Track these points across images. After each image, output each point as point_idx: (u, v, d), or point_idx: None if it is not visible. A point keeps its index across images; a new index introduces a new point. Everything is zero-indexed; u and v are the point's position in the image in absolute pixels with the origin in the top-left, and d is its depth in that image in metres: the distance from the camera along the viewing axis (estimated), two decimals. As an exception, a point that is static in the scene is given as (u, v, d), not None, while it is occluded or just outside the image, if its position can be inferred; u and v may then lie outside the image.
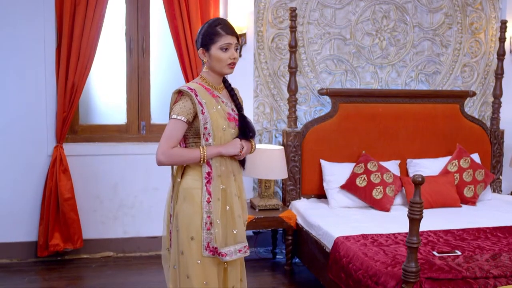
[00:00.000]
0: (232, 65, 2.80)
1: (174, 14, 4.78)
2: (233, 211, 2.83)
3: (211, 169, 2.77)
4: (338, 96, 4.97)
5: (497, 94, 5.35)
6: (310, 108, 5.23)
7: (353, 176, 4.70)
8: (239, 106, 2.94)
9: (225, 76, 2.93)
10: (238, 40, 2.82)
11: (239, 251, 2.83)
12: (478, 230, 4.01)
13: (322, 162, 4.86)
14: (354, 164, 4.82)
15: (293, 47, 4.81)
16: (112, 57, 5.08)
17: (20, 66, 4.68)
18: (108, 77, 5.14)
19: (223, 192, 2.80)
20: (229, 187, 2.83)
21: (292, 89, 4.84)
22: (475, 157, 5.14)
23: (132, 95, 5.07)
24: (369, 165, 4.73)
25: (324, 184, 4.81)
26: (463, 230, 4.00)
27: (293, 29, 4.79)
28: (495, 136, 5.36)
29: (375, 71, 5.36)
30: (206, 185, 2.77)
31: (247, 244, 2.88)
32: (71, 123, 4.87)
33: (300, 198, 4.91)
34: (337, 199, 4.69)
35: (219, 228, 2.76)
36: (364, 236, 3.80)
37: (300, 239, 4.55)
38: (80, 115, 5.02)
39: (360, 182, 4.65)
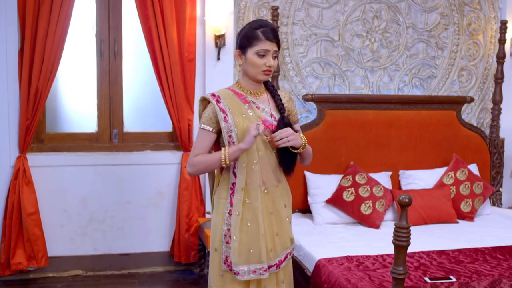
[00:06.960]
0: (267, 72, 2.64)
1: (147, 14, 4.45)
2: (258, 229, 2.61)
3: (236, 179, 2.65)
4: (324, 102, 4.61)
5: (497, 100, 5.00)
6: (296, 115, 4.86)
7: (340, 189, 4.33)
8: (280, 107, 2.70)
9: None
10: (278, 47, 2.66)
11: (253, 272, 2.61)
12: (475, 250, 3.65)
13: (307, 173, 4.49)
14: (341, 176, 4.45)
15: (275, 49, 4.46)
16: (81, 61, 4.73)
17: (-21, 70, 4.33)
18: (77, 82, 4.78)
19: (246, 207, 2.63)
20: (256, 201, 2.64)
21: (275, 95, 4.47)
22: (473, 168, 4.78)
23: (103, 101, 4.72)
24: (357, 178, 4.36)
25: (309, 198, 4.44)
26: (459, 251, 3.64)
27: (275, 29, 4.43)
28: (495, 145, 5.00)
29: (366, 75, 4.99)
30: (230, 196, 2.67)
31: (265, 266, 2.60)
32: (36, 132, 4.55)
33: (283, 213, 4.54)
34: (323, 214, 4.32)
35: (235, 244, 2.61)
36: (349, 259, 3.44)
37: (282, 258, 4.17)
38: (47, 123, 4.67)
39: (348, 196, 4.28)
